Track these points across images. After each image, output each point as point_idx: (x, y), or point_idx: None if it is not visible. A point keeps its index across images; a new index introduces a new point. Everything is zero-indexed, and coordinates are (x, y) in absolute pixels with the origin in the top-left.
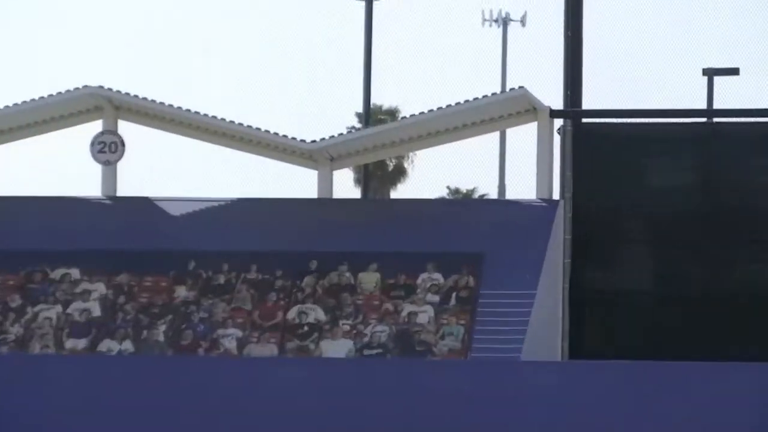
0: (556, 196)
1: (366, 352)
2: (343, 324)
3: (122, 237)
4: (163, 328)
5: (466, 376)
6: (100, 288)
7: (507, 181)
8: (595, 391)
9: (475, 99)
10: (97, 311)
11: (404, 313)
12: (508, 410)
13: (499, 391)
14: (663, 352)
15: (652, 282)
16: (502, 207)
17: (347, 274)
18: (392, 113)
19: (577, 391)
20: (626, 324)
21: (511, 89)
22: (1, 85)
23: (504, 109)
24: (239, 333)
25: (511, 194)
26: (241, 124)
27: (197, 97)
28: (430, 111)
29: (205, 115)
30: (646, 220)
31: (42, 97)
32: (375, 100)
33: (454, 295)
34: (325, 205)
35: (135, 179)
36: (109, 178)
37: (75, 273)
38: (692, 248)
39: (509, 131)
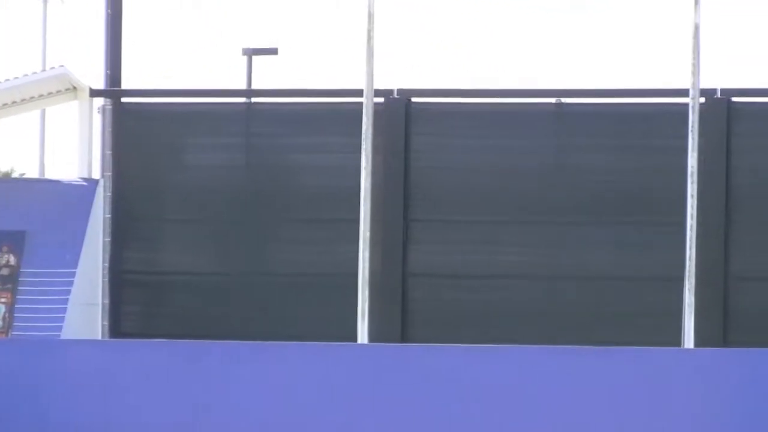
0: (97, 175)
1: None
2: None
3: None
4: None
5: (6, 355)
6: None
7: (47, 161)
8: (134, 370)
9: (15, 78)
10: None
11: None
12: (46, 389)
13: (40, 369)
14: (198, 332)
15: (192, 262)
16: (43, 186)
17: None
18: None
19: (115, 369)
20: (166, 304)
21: (51, 68)
22: None
23: (44, 88)
24: None
25: (51, 174)
26: None
27: None
28: None
29: None
30: (189, 200)
31: None
32: None
33: None
34: None
35: None
36: None
37: None
38: (233, 228)
39: (50, 110)
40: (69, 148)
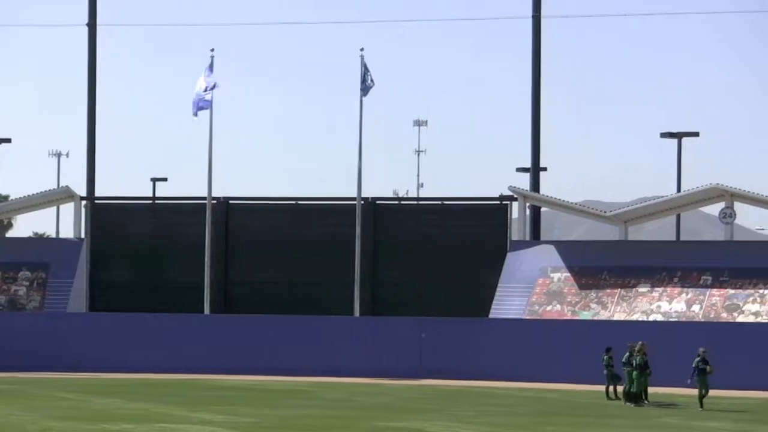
0: (83, 236)
1: None
2: None
3: None
4: None
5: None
6: None
7: (61, 228)
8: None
9: (40, 192)
10: None
11: None
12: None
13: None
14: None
15: (122, 280)
16: (58, 241)
17: None
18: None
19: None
20: (118, 300)
21: (66, 185)
22: None
23: (58, 195)
24: None
25: (62, 235)
26: None
27: None
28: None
29: None
30: (127, 249)
31: None
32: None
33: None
34: None
35: None
36: None
37: None
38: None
39: (62, 206)
40: (69, 224)
